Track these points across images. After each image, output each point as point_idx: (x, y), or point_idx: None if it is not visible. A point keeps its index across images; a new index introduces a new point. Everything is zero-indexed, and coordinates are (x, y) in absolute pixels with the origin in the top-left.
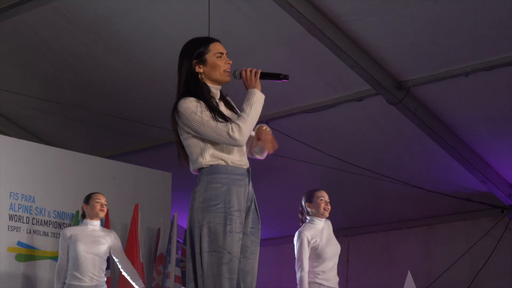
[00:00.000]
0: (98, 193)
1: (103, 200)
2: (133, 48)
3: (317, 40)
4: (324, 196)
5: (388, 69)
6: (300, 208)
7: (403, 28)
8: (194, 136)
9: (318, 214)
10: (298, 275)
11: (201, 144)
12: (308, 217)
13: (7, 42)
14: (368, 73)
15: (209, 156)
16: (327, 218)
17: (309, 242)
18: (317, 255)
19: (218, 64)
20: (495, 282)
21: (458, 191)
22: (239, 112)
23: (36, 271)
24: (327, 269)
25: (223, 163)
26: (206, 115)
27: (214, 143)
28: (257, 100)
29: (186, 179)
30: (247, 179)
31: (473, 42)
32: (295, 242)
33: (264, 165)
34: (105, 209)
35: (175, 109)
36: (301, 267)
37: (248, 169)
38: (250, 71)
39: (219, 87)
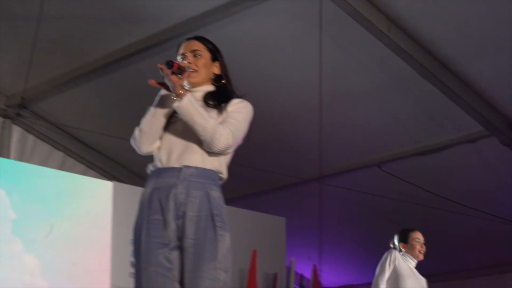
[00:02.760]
0: None
1: None
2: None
3: (428, 83)
4: (420, 238)
5: (501, 110)
6: (392, 246)
7: None
8: None
9: (413, 255)
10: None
11: None
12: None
13: (121, 90)
14: (481, 114)
15: (150, 163)
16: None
17: (394, 259)
18: (396, 279)
19: None
20: None
21: None
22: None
23: None
24: None
25: (155, 167)
26: None
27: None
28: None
29: (300, 223)
30: (176, 179)
31: None
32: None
33: (374, 207)
34: None
35: None
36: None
37: (180, 169)
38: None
39: (195, 88)
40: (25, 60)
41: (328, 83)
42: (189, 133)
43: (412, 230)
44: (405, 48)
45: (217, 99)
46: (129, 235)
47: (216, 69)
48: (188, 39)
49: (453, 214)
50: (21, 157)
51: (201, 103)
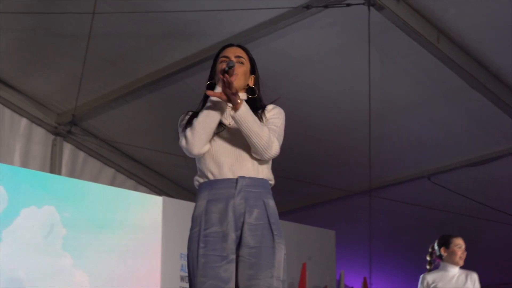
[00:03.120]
0: None
1: None
2: (294, 107)
3: (478, 93)
4: (462, 244)
5: None
6: (430, 250)
7: None
8: None
9: (453, 262)
10: None
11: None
12: (441, 263)
13: (171, 106)
14: None
15: (197, 176)
16: (474, 271)
17: (428, 285)
18: None
19: (218, 68)
20: None
21: None
22: None
23: None
24: None
25: (205, 180)
26: (183, 125)
27: (199, 160)
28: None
29: (350, 236)
30: (233, 190)
31: None
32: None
33: (424, 219)
34: None
35: None
36: None
37: (236, 179)
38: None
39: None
40: (75, 78)
41: (376, 95)
42: (236, 143)
43: (455, 236)
44: (455, 59)
45: (251, 108)
46: (179, 249)
47: (251, 81)
48: (232, 45)
49: (505, 225)
50: (72, 174)
51: None
